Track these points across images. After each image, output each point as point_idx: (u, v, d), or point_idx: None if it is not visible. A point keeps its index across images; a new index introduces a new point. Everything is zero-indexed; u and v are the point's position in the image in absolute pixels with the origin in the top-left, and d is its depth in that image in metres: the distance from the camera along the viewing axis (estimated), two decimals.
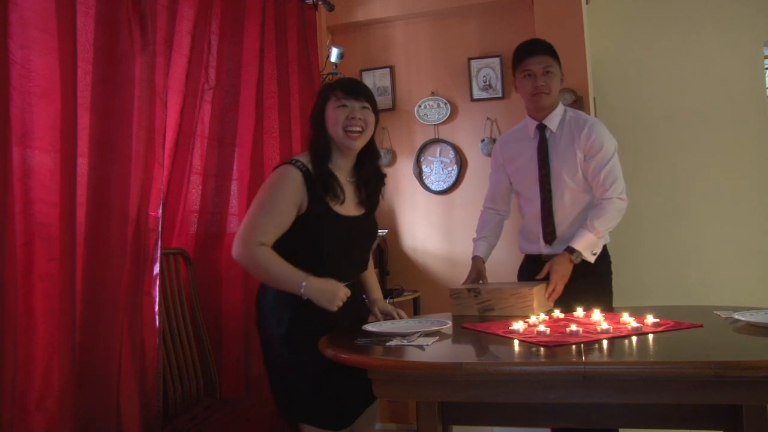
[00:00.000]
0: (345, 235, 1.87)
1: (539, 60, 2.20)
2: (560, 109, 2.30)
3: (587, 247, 2.15)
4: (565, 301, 2.07)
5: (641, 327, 1.64)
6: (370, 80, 3.64)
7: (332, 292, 1.77)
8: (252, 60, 2.66)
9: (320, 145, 1.87)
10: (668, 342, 1.55)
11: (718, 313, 1.86)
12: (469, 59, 3.46)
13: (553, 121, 2.27)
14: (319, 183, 1.83)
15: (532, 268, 2.31)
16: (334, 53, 3.32)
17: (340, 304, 1.78)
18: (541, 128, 2.28)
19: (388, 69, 3.63)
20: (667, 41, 3.30)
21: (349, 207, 1.90)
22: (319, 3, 3.24)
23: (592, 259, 2.18)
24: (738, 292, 3.07)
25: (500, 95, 3.42)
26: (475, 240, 2.48)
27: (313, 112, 1.93)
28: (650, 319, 1.72)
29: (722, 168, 3.21)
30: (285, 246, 1.82)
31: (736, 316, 1.71)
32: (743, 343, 1.53)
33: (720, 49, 3.23)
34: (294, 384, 1.82)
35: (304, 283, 1.75)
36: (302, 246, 1.83)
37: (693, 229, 3.22)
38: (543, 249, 2.29)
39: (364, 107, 1.86)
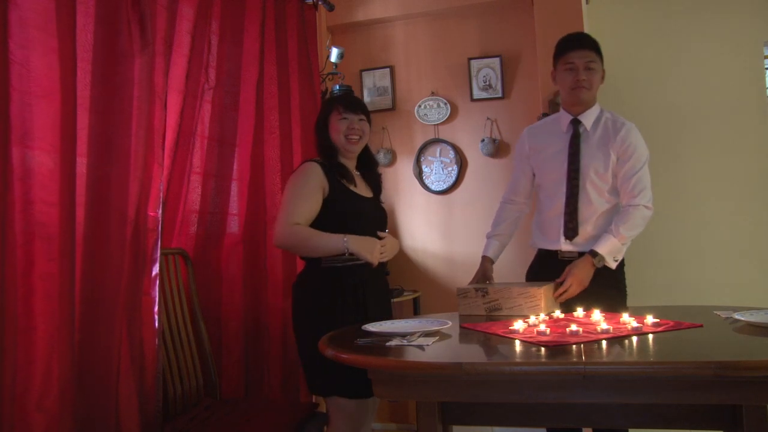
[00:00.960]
0: (363, 211, 2.18)
1: (583, 54, 2.19)
2: (597, 107, 2.28)
3: (611, 252, 2.14)
4: (580, 302, 2.04)
5: (641, 327, 1.64)
6: (370, 80, 3.64)
7: (372, 245, 2.06)
8: (252, 60, 2.66)
9: (327, 147, 2.22)
10: (668, 342, 1.55)
11: (718, 313, 1.86)
12: (469, 59, 3.46)
13: (588, 119, 2.26)
14: (335, 169, 2.16)
15: (546, 265, 2.29)
16: (334, 53, 3.32)
17: (379, 257, 2.07)
18: (576, 123, 2.26)
19: (388, 69, 3.63)
20: (667, 41, 3.30)
21: (360, 189, 2.23)
22: (319, 3, 3.24)
23: (613, 265, 2.16)
24: (738, 292, 3.06)
25: (500, 95, 3.43)
26: (488, 236, 2.45)
27: (318, 122, 2.27)
28: (650, 319, 1.72)
29: (722, 168, 3.21)
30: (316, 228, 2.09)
31: (736, 316, 1.71)
32: (743, 343, 1.53)
33: (720, 49, 3.23)
34: (324, 362, 1.83)
35: (345, 239, 2.02)
36: (330, 226, 2.08)
37: (693, 229, 3.21)
38: (562, 245, 2.25)
39: (361, 119, 2.22)
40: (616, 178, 2.23)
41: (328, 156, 2.20)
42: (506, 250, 2.55)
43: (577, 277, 2.11)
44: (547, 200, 2.33)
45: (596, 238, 2.21)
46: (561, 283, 2.13)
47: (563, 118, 2.30)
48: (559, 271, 2.19)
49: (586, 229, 2.23)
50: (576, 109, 2.27)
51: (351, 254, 2.03)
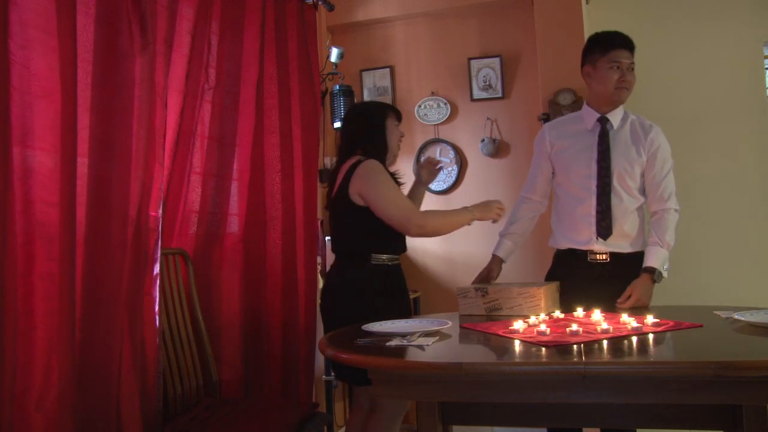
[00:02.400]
0: None
1: (628, 55, 2.19)
2: (621, 109, 2.28)
3: (663, 263, 2.14)
4: (604, 302, 2.03)
5: (641, 327, 1.64)
6: (370, 80, 3.64)
7: (489, 205, 2.25)
8: (252, 60, 2.66)
9: (384, 149, 2.30)
10: (668, 342, 1.55)
11: (718, 313, 1.85)
12: (469, 59, 3.46)
13: (615, 117, 2.24)
14: (390, 173, 2.26)
15: (571, 267, 2.25)
16: (334, 53, 3.32)
17: (497, 212, 2.25)
18: (603, 121, 2.24)
19: (388, 69, 3.63)
20: (666, 41, 3.30)
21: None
22: (319, 3, 3.24)
23: (666, 274, 2.16)
24: (738, 292, 3.07)
25: (500, 95, 3.43)
26: (500, 235, 2.42)
27: (376, 125, 2.30)
28: (650, 319, 1.72)
29: (722, 167, 3.21)
30: (370, 228, 2.19)
31: (736, 316, 1.71)
32: (743, 343, 1.53)
33: (720, 48, 3.23)
34: None
35: (470, 209, 2.24)
36: (381, 227, 2.17)
37: (693, 229, 3.21)
38: (595, 245, 2.21)
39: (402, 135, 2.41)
40: (644, 179, 2.22)
41: (382, 157, 2.28)
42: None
43: (640, 299, 2.07)
44: (572, 199, 2.27)
45: (630, 237, 2.21)
46: (553, 280, 2.13)
47: (588, 115, 2.27)
48: (588, 275, 2.18)
49: (618, 228, 2.20)
50: (606, 108, 2.25)
51: (478, 219, 2.25)
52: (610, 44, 2.21)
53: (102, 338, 1.71)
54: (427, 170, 2.50)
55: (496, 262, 2.37)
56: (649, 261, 2.13)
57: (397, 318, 1.99)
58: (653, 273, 2.11)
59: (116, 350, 1.74)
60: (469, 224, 2.25)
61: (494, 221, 2.28)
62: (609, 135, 2.23)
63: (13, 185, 1.44)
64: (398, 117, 2.37)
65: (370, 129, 2.30)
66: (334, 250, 2.32)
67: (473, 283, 2.28)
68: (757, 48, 3.20)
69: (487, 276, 2.34)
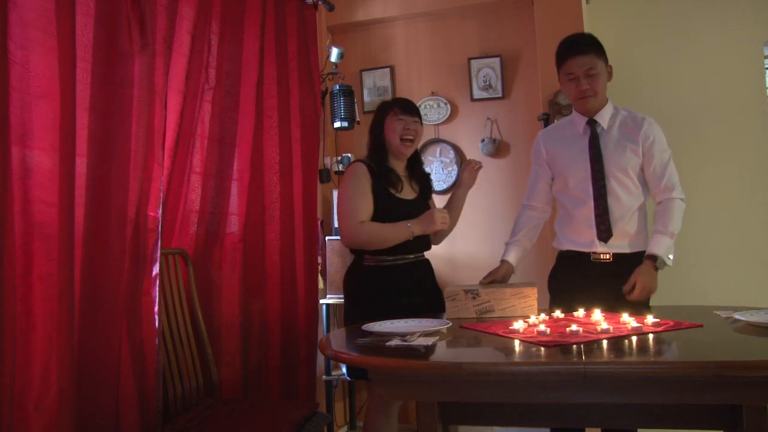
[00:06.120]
0: (401, 213, 2.29)
1: (581, 62, 2.14)
2: (610, 105, 2.25)
3: (667, 251, 2.11)
4: (607, 302, 2.02)
5: (641, 327, 1.64)
6: (370, 80, 3.64)
7: (430, 217, 2.25)
8: (252, 60, 2.66)
9: (379, 147, 2.36)
10: (668, 342, 1.55)
11: (718, 313, 1.85)
12: (469, 59, 3.46)
13: (603, 118, 2.22)
14: (382, 176, 2.31)
15: (575, 267, 2.25)
16: (334, 53, 3.32)
17: (442, 221, 2.25)
18: (592, 123, 2.23)
19: (388, 69, 3.63)
20: (667, 41, 3.30)
21: (405, 191, 2.38)
22: (319, 3, 3.24)
23: (671, 262, 2.13)
24: (738, 292, 3.06)
25: (500, 95, 3.42)
26: (507, 244, 2.40)
27: (373, 124, 2.41)
28: (650, 319, 1.72)
29: (722, 168, 3.20)
30: None
31: (736, 316, 1.71)
32: (743, 343, 1.53)
33: (720, 49, 3.22)
34: None
35: (409, 224, 2.24)
36: None
37: (693, 229, 3.21)
38: (597, 246, 2.20)
39: (416, 121, 2.37)
40: (643, 173, 2.21)
41: (378, 156, 2.35)
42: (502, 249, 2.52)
43: (645, 286, 2.06)
44: (571, 203, 2.27)
45: (632, 236, 2.20)
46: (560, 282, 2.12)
47: (578, 120, 2.27)
48: (592, 275, 2.18)
49: (620, 229, 2.19)
50: (589, 112, 2.24)
51: (418, 235, 2.26)
52: (562, 56, 2.21)
53: (101, 338, 1.71)
54: (468, 173, 2.49)
55: (506, 266, 2.33)
56: (652, 248, 2.12)
57: (394, 317, 1.98)
58: (656, 260, 2.10)
59: (115, 350, 1.74)
60: (410, 238, 2.26)
61: (441, 229, 2.30)
62: (599, 137, 2.22)
63: (12, 185, 1.44)
64: (402, 108, 2.36)
65: (372, 131, 2.41)
66: None
67: (481, 282, 2.26)
68: (757, 48, 3.20)
69: (503, 278, 2.30)
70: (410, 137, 2.35)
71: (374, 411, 2.25)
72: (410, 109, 2.38)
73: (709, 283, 3.13)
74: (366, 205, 2.27)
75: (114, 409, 1.73)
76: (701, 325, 1.69)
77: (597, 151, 2.20)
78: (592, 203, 2.20)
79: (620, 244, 2.19)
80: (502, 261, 2.35)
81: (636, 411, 1.71)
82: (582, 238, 2.24)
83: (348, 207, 2.27)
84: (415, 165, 2.46)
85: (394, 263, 2.30)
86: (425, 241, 2.41)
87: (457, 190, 2.52)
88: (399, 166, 2.41)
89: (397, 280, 2.30)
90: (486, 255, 2.52)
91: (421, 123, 2.42)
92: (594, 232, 2.20)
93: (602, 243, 2.20)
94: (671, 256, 2.14)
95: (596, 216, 2.19)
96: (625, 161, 2.18)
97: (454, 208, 2.50)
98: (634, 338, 1.57)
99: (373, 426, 2.22)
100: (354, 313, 2.31)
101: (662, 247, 2.11)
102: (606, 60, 2.21)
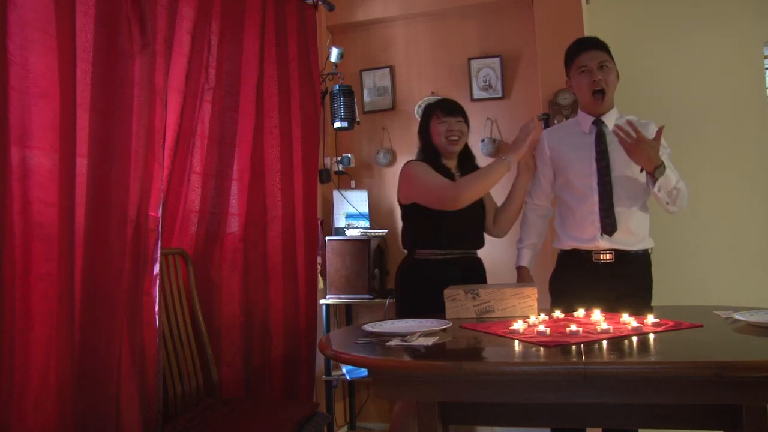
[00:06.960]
0: (459, 210, 2.31)
1: (594, 55, 2.20)
2: (616, 110, 2.29)
3: (667, 184, 2.09)
4: (608, 303, 2.03)
5: (641, 327, 1.64)
6: (370, 80, 3.64)
7: (517, 139, 2.34)
8: (252, 60, 2.66)
9: (430, 150, 2.45)
10: (668, 342, 1.55)
11: (718, 313, 1.85)
12: (469, 59, 3.46)
13: (610, 119, 2.25)
14: (440, 172, 2.37)
15: (576, 269, 2.25)
16: (334, 53, 3.32)
17: (526, 132, 2.33)
18: (599, 123, 2.26)
19: (388, 69, 3.62)
20: (667, 41, 3.30)
21: None
22: (319, 3, 3.24)
23: (665, 195, 2.11)
24: (738, 292, 3.06)
25: (500, 95, 3.42)
26: (519, 247, 2.45)
27: (420, 128, 2.51)
28: (650, 319, 1.72)
29: (722, 168, 3.20)
30: (415, 225, 2.43)
31: (736, 316, 1.71)
32: (743, 343, 1.53)
33: (720, 49, 3.22)
34: None
35: (503, 157, 2.31)
36: (424, 224, 2.37)
37: (693, 229, 3.21)
38: (600, 242, 2.20)
39: (459, 121, 2.43)
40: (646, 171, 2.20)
41: (428, 157, 2.42)
42: (503, 249, 2.52)
43: (645, 148, 2.05)
44: (575, 199, 2.28)
45: (634, 233, 2.20)
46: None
47: (584, 119, 2.30)
48: (594, 275, 2.19)
49: (624, 225, 2.19)
50: (598, 110, 2.26)
51: (517, 160, 2.32)
52: (572, 52, 2.27)
53: (101, 338, 1.71)
54: (524, 163, 2.45)
55: (527, 273, 2.41)
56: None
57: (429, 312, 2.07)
58: (660, 165, 2.08)
59: (116, 350, 1.74)
60: (509, 170, 2.29)
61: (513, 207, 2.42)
62: (605, 136, 2.24)
63: (11, 185, 1.44)
64: (444, 111, 2.42)
65: (420, 134, 2.51)
66: None
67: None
68: (757, 48, 3.20)
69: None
70: (455, 137, 2.40)
71: (405, 411, 2.26)
72: (453, 110, 2.43)
73: (709, 283, 3.13)
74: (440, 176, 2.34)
75: (114, 409, 1.73)
76: (701, 325, 1.69)
77: (603, 148, 2.23)
78: (596, 198, 2.21)
79: (623, 239, 2.20)
80: (519, 267, 2.42)
81: (636, 411, 1.71)
82: (584, 234, 2.24)
83: (431, 180, 2.32)
84: (465, 161, 2.51)
85: (445, 257, 2.36)
86: (476, 238, 2.47)
87: (516, 180, 2.48)
88: (451, 165, 2.46)
89: (447, 273, 2.32)
90: (486, 255, 2.52)
91: (466, 121, 2.46)
92: (597, 227, 2.21)
93: (605, 238, 2.20)
94: (668, 192, 2.12)
95: (601, 210, 2.20)
96: (631, 162, 2.19)
97: (516, 198, 2.47)
98: (634, 338, 1.57)
99: (404, 425, 2.24)
100: (405, 307, 2.37)
101: (670, 171, 2.10)
102: (614, 62, 2.24)
